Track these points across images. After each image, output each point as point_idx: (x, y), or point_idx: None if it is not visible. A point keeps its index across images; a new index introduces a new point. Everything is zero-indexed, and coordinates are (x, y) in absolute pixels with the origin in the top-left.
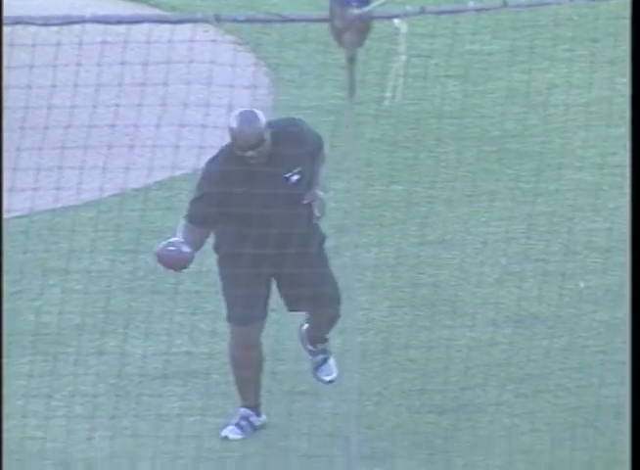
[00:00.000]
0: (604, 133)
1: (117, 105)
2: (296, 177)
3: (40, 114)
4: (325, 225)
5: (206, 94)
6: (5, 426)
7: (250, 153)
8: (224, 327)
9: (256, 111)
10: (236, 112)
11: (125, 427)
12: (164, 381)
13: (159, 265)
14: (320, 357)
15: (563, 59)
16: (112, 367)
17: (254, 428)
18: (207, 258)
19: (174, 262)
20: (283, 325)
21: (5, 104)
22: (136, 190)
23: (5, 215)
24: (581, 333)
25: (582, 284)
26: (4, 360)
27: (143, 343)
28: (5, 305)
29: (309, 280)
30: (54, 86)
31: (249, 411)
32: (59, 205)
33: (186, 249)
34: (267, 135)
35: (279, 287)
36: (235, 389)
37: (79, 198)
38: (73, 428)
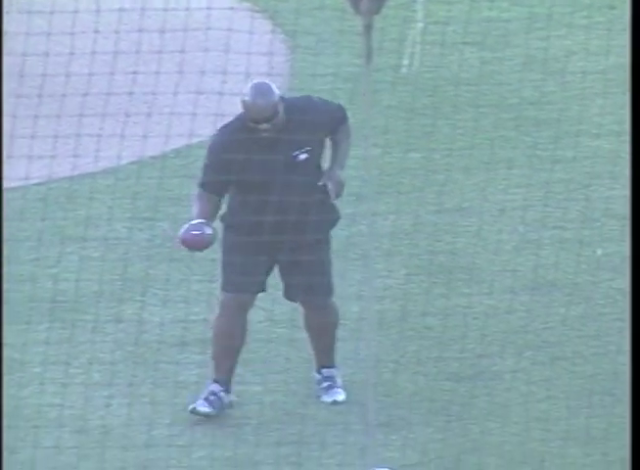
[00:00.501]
0: (621, 101)
1: (135, 72)
2: (304, 156)
3: (58, 81)
4: (343, 193)
5: (224, 61)
6: (23, 393)
7: (263, 125)
8: None
9: (270, 83)
10: (250, 83)
11: (143, 394)
12: (182, 348)
13: (182, 247)
14: (326, 384)
15: (580, 26)
16: (129, 335)
17: (223, 405)
18: None
19: (199, 245)
20: None
21: (23, 71)
22: (153, 158)
23: (24, 183)
24: (598, 300)
25: (599, 251)
26: (22, 327)
27: (160, 310)
28: (23, 272)
29: (307, 269)
30: (72, 54)
31: (218, 386)
32: (76, 172)
33: (208, 230)
34: (281, 108)
35: (280, 274)
36: (210, 361)
37: (97, 165)
38: (91, 395)
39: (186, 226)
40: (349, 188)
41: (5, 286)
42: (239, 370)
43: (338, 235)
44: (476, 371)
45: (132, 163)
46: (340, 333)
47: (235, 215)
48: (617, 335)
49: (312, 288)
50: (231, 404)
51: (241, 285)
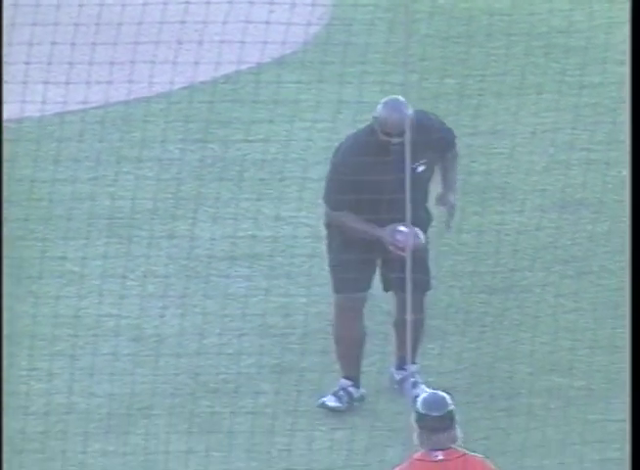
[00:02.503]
0: None
1: (187, 2)
2: (422, 168)
3: (114, 10)
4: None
5: None
6: (82, 304)
7: (396, 139)
8: (287, 212)
9: (403, 100)
10: (385, 99)
11: (195, 305)
12: (231, 262)
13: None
14: (413, 380)
15: None
16: (182, 250)
17: (352, 399)
18: (271, 146)
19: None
20: None
21: (81, 1)
22: (204, 83)
23: (82, 107)
24: (623, 218)
25: (625, 172)
26: (82, 242)
27: (211, 227)
28: (82, 191)
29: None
30: None
31: (348, 382)
32: (132, 97)
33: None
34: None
35: (382, 269)
36: (337, 359)
37: (151, 90)
38: (146, 306)
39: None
40: None
41: (67, 205)
42: (283, 282)
43: None
44: (508, 284)
45: (184, 88)
46: None
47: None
48: None
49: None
50: (362, 398)
51: (355, 285)
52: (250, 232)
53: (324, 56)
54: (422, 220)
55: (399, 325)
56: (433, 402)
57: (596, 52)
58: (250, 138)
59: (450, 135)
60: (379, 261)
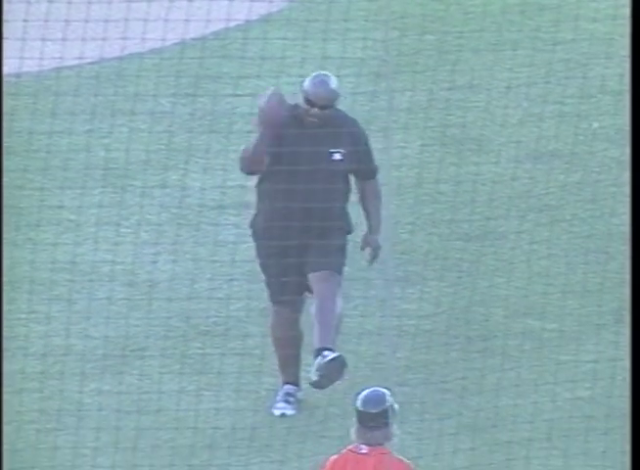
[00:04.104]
0: None
1: None
2: (338, 156)
3: None
4: (364, 72)
5: None
6: (79, 251)
7: (315, 110)
8: None
9: (333, 77)
10: (313, 74)
11: (186, 252)
12: (221, 211)
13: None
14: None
15: None
16: (174, 199)
17: (299, 401)
18: (258, 100)
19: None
20: None
21: None
22: (194, 39)
23: (78, 62)
24: (594, 168)
25: (596, 124)
26: (78, 192)
27: (201, 177)
28: (78, 142)
29: (318, 249)
30: None
31: (293, 387)
32: (126, 52)
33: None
34: (335, 104)
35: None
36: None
37: (144, 46)
38: (140, 252)
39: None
40: (370, 67)
41: (64, 156)
42: None
43: (358, 110)
44: (484, 232)
45: (175, 44)
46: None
47: (263, 216)
48: (612, 199)
49: (320, 264)
50: (301, 399)
51: (288, 295)
52: (238, 182)
53: (309, 14)
54: (337, 226)
55: (317, 311)
56: (370, 400)
57: (569, 9)
58: (238, 92)
59: (370, 155)
60: (303, 263)
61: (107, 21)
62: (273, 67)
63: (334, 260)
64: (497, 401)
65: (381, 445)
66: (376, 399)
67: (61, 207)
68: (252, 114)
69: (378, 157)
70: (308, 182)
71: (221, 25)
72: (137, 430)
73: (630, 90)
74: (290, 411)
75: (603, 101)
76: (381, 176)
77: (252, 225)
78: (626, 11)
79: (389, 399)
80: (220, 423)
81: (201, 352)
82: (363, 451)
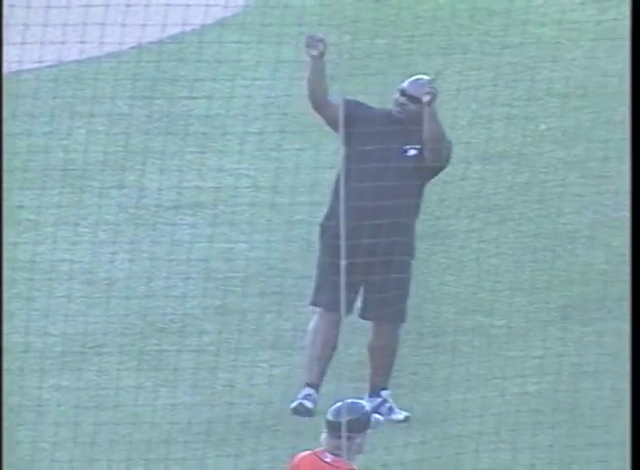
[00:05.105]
0: None
1: None
2: (413, 152)
3: None
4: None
5: None
6: (38, 250)
7: (403, 99)
8: (229, 164)
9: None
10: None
11: (143, 251)
12: (177, 211)
13: None
14: (388, 405)
15: None
16: (131, 199)
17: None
18: (214, 102)
19: None
20: None
21: None
22: (151, 43)
23: (37, 65)
24: (541, 169)
25: (543, 126)
26: (37, 192)
27: (158, 178)
28: (37, 144)
29: (386, 289)
30: None
31: (313, 390)
32: (84, 56)
33: None
34: (418, 106)
35: (365, 293)
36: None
37: (102, 50)
38: (98, 251)
39: None
40: None
41: (24, 157)
42: (225, 229)
43: (312, 112)
44: (434, 231)
45: (132, 48)
46: (318, 198)
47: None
48: (558, 199)
49: (386, 313)
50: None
51: (334, 304)
52: (194, 183)
53: (263, 18)
54: (406, 208)
55: (373, 351)
56: (338, 408)
57: (517, 14)
58: (194, 95)
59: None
60: (362, 285)
61: (65, 25)
62: (228, 70)
63: (398, 309)
64: (447, 396)
65: (340, 456)
66: (344, 409)
67: (20, 206)
68: (208, 116)
69: (330, 158)
70: (393, 179)
71: (177, 29)
72: (95, 425)
73: (630, 90)
74: (309, 404)
75: (550, 103)
76: (334, 177)
77: (327, 222)
78: (573, 15)
79: (362, 411)
80: (177, 418)
81: (157, 348)
82: (326, 460)
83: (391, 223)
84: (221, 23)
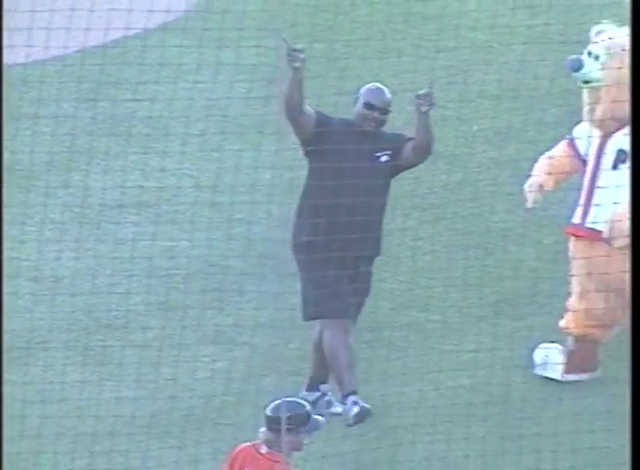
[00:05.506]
0: None
1: None
2: (385, 158)
3: None
4: (258, 78)
5: None
6: None
7: (376, 113)
8: (172, 164)
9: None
10: (369, 84)
11: (88, 249)
12: (121, 210)
13: None
14: (324, 400)
15: None
16: (76, 198)
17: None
18: (157, 104)
19: None
20: None
21: None
22: (95, 47)
23: None
24: (474, 169)
25: (475, 127)
26: None
27: (102, 177)
28: None
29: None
30: None
31: (357, 396)
32: (30, 59)
33: None
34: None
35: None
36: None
37: (47, 54)
38: (44, 250)
39: None
40: (263, 73)
41: None
42: (168, 228)
43: (251, 114)
44: None
45: (77, 51)
46: (258, 197)
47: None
48: (490, 198)
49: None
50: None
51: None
52: (137, 182)
53: (204, 22)
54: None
55: (318, 347)
56: (277, 404)
57: (450, 19)
58: (137, 97)
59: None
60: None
61: (11, 29)
62: (170, 73)
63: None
64: (384, 390)
65: (279, 451)
66: (283, 405)
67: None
68: (151, 117)
69: (270, 159)
70: (367, 194)
71: (121, 34)
72: (41, 418)
73: (631, 90)
74: (364, 404)
75: (482, 105)
76: (273, 177)
77: (302, 239)
78: (504, 20)
79: (302, 410)
80: (121, 411)
81: (102, 344)
82: (261, 451)
83: (368, 232)
84: (163, 28)
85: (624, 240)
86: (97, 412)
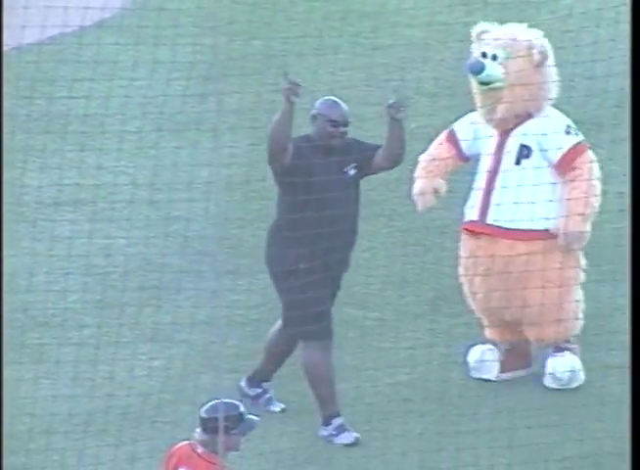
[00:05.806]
0: None
1: None
2: (353, 171)
3: None
4: (194, 75)
5: None
6: None
7: (342, 129)
8: (108, 161)
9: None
10: (321, 99)
11: (24, 247)
12: (57, 208)
13: None
14: (265, 397)
15: None
16: (12, 196)
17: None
18: (93, 102)
19: None
20: None
21: None
22: (31, 45)
23: None
24: (411, 166)
25: (413, 124)
26: None
27: (38, 175)
28: None
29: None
30: None
31: (341, 418)
32: None
33: None
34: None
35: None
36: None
37: None
38: None
39: None
40: (200, 71)
41: None
42: (105, 225)
43: (188, 112)
44: None
45: (13, 49)
46: (195, 195)
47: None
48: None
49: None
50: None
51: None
52: (74, 180)
53: (140, 20)
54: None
55: (275, 347)
56: (211, 405)
57: (387, 16)
58: (73, 95)
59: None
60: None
61: None
62: (106, 70)
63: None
64: None
65: (215, 452)
66: (216, 407)
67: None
68: (87, 115)
69: (208, 156)
70: (342, 217)
71: (57, 31)
72: None
73: (631, 90)
74: (354, 434)
75: (419, 102)
76: (210, 175)
77: (285, 269)
78: (441, 17)
79: (236, 411)
80: (57, 409)
81: (38, 342)
82: (198, 450)
83: (347, 252)
84: (99, 25)
85: (581, 242)
86: (33, 410)
